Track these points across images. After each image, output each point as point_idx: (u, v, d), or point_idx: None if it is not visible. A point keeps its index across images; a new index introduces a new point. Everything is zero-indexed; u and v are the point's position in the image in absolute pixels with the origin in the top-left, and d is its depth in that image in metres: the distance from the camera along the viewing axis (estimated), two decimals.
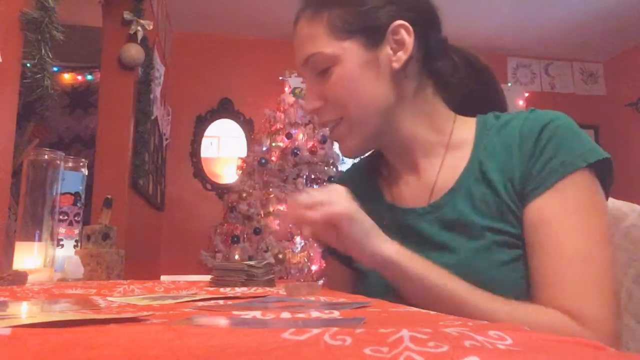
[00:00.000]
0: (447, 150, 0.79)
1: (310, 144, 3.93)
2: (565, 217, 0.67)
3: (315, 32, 0.77)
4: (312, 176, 3.90)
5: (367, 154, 0.90)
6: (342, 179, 0.96)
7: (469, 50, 0.86)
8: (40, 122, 4.06)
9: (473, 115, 0.82)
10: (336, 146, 4.35)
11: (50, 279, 0.94)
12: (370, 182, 0.89)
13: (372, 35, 0.76)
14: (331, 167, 3.97)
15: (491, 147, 0.75)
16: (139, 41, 2.78)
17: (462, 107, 0.83)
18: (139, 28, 2.77)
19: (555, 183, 0.68)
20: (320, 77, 0.78)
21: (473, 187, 0.74)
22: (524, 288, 0.69)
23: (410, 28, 0.76)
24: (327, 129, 0.82)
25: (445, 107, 0.82)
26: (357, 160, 0.97)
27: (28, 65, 1.44)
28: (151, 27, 2.85)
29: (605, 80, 5.05)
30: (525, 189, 0.70)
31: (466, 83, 0.83)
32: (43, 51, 1.40)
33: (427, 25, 0.79)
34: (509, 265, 0.70)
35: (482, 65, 0.85)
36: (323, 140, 3.95)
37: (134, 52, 2.74)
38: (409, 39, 0.76)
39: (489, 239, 0.70)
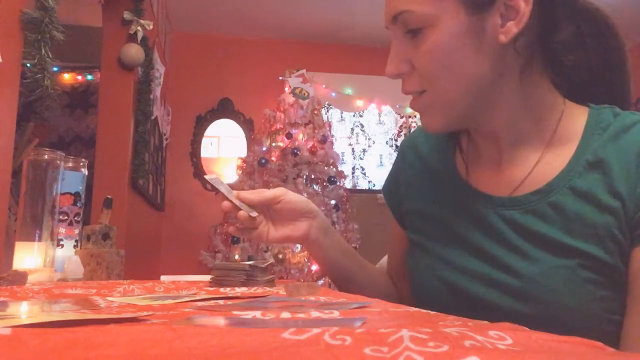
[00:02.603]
0: (548, 145, 0.67)
1: (310, 144, 3.93)
2: None
3: None
4: (312, 176, 3.90)
5: None
6: (415, 136, 0.85)
7: (606, 16, 0.68)
8: (40, 122, 4.06)
9: (583, 103, 0.69)
10: (336, 146, 4.36)
11: (50, 279, 0.94)
12: (446, 148, 0.78)
13: None
14: (331, 167, 3.97)
15: (601, 153, 0.63)
16: (139, 41, 2.78)
17: (573, 91, 0.69)
18: (139, 28, 2.77)
19: None
20: (410, 38, 0.64)
21: (567, 197, 0.63)
22: (607, 328, 0.60)
23: None
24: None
25: (553, 91, 0.67)
26: None
27: (28, 65, 1.44)
28: (151, 27, 2.85)
29: None
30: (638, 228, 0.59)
31: (588, 65, 0.68)
32: (43, 51, 1.40)
33: None
34: (594, 297, 0.59)
35: (616, 43, 0.68)
36: (323, 140, 3.95)
37: (134, 52, 2.74)
38: (525, 6, 0.60)
39: (573, 260, 0.61)
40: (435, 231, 0.74)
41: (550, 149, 0.66)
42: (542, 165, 0.66)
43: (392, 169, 0.88)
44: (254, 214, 0.80)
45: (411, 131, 0.91)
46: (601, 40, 0.68)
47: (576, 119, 0.67)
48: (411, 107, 0.69)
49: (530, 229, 0.64)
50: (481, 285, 0.66)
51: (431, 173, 0.78)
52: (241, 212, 0.79)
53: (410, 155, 0.83)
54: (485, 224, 0.68)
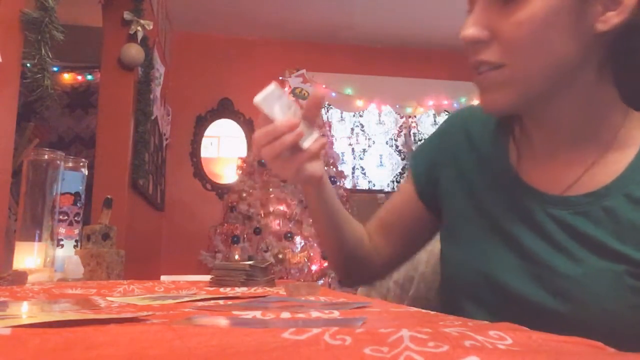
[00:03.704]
0: (606, 148, 0.64)
1: None
2: None
3: None
4: None
5: None
6: (464, 115, 0.80)
7: None
8: (40, 122, 4.06)
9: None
10: (336, 146, 4.36)
11: (50, 279, 0.94)
12: (498, 135, 0.74)
13: None
14: (331, 167, 3.97)
15: None
16: (139, 41, 2.78)
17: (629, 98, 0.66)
18: (139, 28, 2.77)
19: None
20: (501, 5, 0.59)
21: (622, 203, 0.62)
22: None
23: None
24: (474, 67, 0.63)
25: (616, 93, 0.64)
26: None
27: (28, 65, 1.44)
28: (151, 27, 2.85)
29: None
30: None
31: None
32: (43, 51, 1.40)
33: None
34: (636, 304, 0.59)
35: None
36: None
37: (134, 52, 2.74)
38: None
39: (621, 266, 0.60)
40: (477, 220, 0.72)
41: (608, 153, 0.64)
42: (598, 167, 0.64)
43: (431, 142, 0.83)
44: (315, 134, 0.71)
45: (456, 111, 0.83)
46: None
47: (638, 126, 0.65)
48: (476, 82, 0.63)
49: (580, 230, 0.63)
50: (521, 281, 0.65)
51: (480, 157, 0.74)
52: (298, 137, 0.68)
53: (458, 133, 0.78)
54: (532, 221, 0.66)
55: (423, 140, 0.86)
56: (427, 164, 0.81)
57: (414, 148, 4.63)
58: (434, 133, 0.85)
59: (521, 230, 0.66)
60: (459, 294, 0.72)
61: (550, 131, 0.67)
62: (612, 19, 0.58)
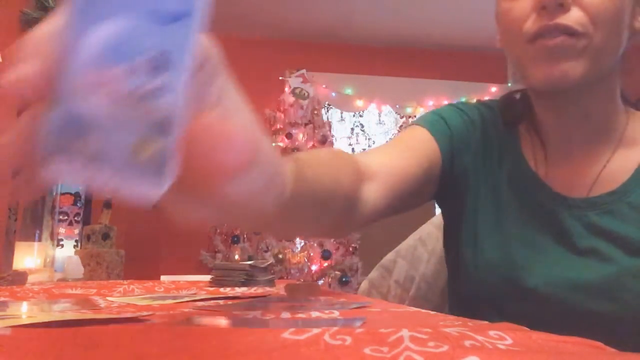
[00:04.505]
0: (619, 145, 0.66)
1: (310, 144, 3.93)
2: None
3: None
4: None
5: (504, 103, 0.75)
6: (476, 106, 0.76)
7: None
8: None
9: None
10: (336, 146, 4.36)
11: (50, 279, 0.94)
12: (509, 136, 0.73)
13: None
14: None
15: None
16: None
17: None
18: None
19: None
20: None
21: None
22: None
23: None
24: (547, 40, 0.59)
25: (620, 95, 0.67)
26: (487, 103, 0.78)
27: None
28: None
29: None
30: None
31: None
32: None
33: None
34: None
35: None
36: (323, 140, 3.95)
37: None
38: None
39: None
40: (502, 224, 0.69)
41: (619, 150, 0.65)
42: (614, 165, 0.65)
43: (449, 115, 0.74)
44: None
45: (471, 104, 0.78)
46: None
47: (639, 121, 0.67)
48: (546, 48, 0.59)
49: (608, 229, 0.63)
50: (555, 286, 0.63)
51: (496, 149, 0.72)
52: None
53: (476, 117, 0.75)
54: (559, 226, 0.65)
55: (443, 108, 0.76)
56: (449, 138, 0.72)
57: None
58: (447, 111, 0.75)
59: (548, 235, 0.65)
60: (479, 301, 0.69)
61: (571, 128, 0.66)
62: None
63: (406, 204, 0.69)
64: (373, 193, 0.60)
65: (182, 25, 0.22)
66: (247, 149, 0.25)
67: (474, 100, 0.80)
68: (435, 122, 0.73)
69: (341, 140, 4.65)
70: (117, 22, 0.21)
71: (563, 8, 0.58)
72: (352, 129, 4.74)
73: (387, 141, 0.74)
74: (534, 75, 0.61)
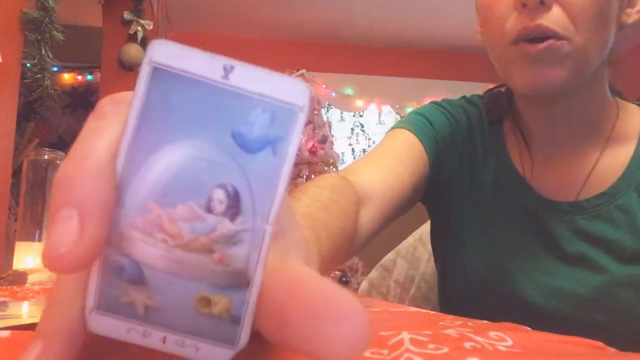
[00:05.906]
0: (608, 143, 0.63)
1: (310, 144, 3.93)
2: None
3: None
4: (312, 176, 3.90)
5: (489, 100, 0.72)
6: (461, 104, 0.74)
7: None
8: (40, 122, 4.06)
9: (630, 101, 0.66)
10: (336, 146, 4.36)
11: (50, 279, 0.94)
12: (494, 134, 0.70)
13: None
14: (331, 167, 3.97)
15: None
16: (139, 41, 2.78)
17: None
18: (139, 28, 2.77)
19: None
20: None
21: (633, 198, 0.60)
22: None
23: None
24: (534, 43, 0.56)
25: (608, 88, 0.64)
26: (467, 102, 0.75)
27: (28, 65, 1.44)
28: (151, 27, 2.85)
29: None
30: None
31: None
32: (43, 51, 1.40)
33: None
34: None
35: None
36: (323, 140, 3.95)
37: (134, 52, 2.74)
38: None
39: None
40: (488, 231, 0.67)
41: (608, 149, 0.62)
42: (602, 166, 0.62)
43: (434, 116, 0.72)
44: None
45: (454, 101, 0.75)
46: None
47: (632, 118, 0.64)
48: (529, 52, 0.56)
49: (598, 235, 0.60)
50: (542, 295, 0.62)
51: (481, 149, 0.70)
52: None
53: (461, 116, 0.72)
54: (548, 232, 0.63)
55: (423, 109, 0.73)
56: (435, 142, 0.70)
57: None
58: (431, 111, 0.73)
59: (535, 242, 0.64)
60: (470, 309, 0.68)
61: (556, 128, 0.64)
62: (633, 15, 0.59)
63: (397, 217, 0.66)
64: (366, 219, 0.57)
65: (268, 154, 0.16)
66: (364, 324, 0.16)
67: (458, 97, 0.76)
68: (422, 126, 0.70)
69: (341, 140, 4.65)
70: (187, 145, 0.16)
71: (544, 7, 0.55)
72: (352, 129, 4.74)
73: (376, 145, 0.69)
74: (516, 80, 0.59)
